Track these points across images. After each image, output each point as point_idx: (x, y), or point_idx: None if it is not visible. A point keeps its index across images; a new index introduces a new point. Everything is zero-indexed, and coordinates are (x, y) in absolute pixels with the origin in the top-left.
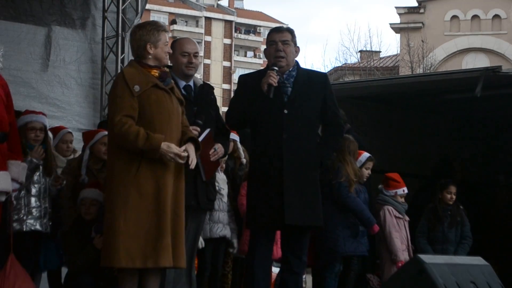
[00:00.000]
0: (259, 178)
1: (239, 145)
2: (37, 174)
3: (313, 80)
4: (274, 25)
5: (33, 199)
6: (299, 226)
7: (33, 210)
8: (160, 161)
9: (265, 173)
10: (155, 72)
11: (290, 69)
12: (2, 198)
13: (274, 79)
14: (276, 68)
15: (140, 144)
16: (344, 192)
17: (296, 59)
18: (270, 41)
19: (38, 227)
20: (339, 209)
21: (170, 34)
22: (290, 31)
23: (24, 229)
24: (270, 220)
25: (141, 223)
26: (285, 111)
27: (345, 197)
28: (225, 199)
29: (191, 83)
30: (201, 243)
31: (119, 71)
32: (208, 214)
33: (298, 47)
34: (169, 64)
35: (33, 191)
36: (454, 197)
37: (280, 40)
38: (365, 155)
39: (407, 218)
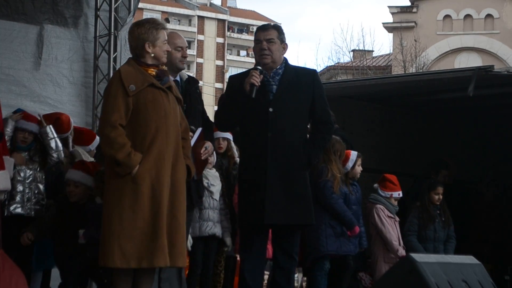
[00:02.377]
0: (246, 177)
1: (233, 144)
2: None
3: (300, 77)
4: None
5: (18, 185)
6: (283, 224)
7: (17, 194)
8: (156, 162)
9: (250, 172)
10: (152, 71)
11: (277, 67)
12: (1, 197)
13: (256, 78)
14: (259, 68)
15: (119, 156)
16: (328, 192)
17: (286, 56)
18: (255, 39)
19: (19, 210)
20: (323, 208)
21: None
22: (277, 28)
23: (6, 214)
24: (256, 219)
25: (136, 223)
26: (270, 109)
27: (328, 197)
28: (216, 196)
29: (177, 77)
30: (189, 241)
31: (111, 69)
32: (198, 212)
33: (286, 44)
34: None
35: (19, 177)
36: (441, 197)
37: (265, 38)
38: (354, 153)
39: (397, 219)
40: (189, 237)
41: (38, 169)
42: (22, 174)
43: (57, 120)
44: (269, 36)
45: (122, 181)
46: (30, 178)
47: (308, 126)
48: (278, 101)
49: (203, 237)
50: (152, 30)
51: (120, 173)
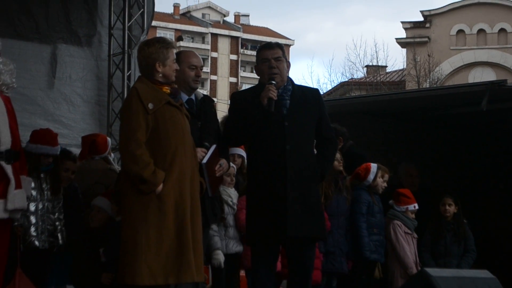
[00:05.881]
0: (261, 191)
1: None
2: (34, 191)
3: (307, 95)
4: (280, 40)
5: (31, 217)
6: (301, 237)
7: (31, 227)
8: (178, 179)
9: (268, 185)
10: (167, 89)
11: (286, 84)
12: (17, 215)
13: (274, 92)
14: (274, 82)
15: (145, 174)
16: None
17: (290, 75)
18: (262, 58)
19: (36, 243)
20: None
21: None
22: (280, 47)
23: (21, 249)
24: (272, 233)
25: (162, 240)
26: (286, 123)
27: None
28: None
29: (193, 96)
30: (221, 257)
31: (125, 88)
32: (224, 229)
33: (289, 63)
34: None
35: (31, 208)
36: (449, 208)
37: (273, 57)
38: (374, 165)
39: (416, 236)
40: (221, 253)
41: (48, 198)
42: (33, 207)
43: (93, 143)
44: (276, 54)
45: (146, 199)
46: (44, 210)
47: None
48: (292, 115)
49: (228, 255)
50: (162, 49)
51: (144, 191)
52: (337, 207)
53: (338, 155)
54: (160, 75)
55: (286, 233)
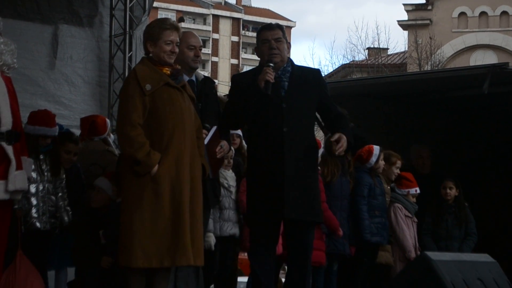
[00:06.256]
0: (259, 173)
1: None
2: (34, 173)
3: (307, 75)
4: (281, 22)
5: (32, 198)
6: (298, 220)
7: (32, 209)
8: (175, 161)
9: (265, 167)
10: (167, 70)
11: (285, 65)
12: (18, 197)
13: (270, 75)
14: (271, 64)
15: (139, 155)
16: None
17: (290, 56)
18: (262, 39)
19: (38, 225)
20: None
21: None
22: (281, 28)
23: (23, 230)
24: (270, 214)
25: (157, 223)
26: (284, 105)
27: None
28: (234, 196)
29: (193, 77)
30: (212, 240)
31: (126, 69)
32: (218, 212)
33: (289, 43)
34: (172, 62)
35: (32, 190)
36: (450, 192)
37: (273, 38)
38: (377, 148)
39: (416, 220)
40: (212, 236)
41: (49, 179)
42: (34, 189)
43: (92, 123)
44: (276, 35)
45: (142, 181)
46: (44, 191)
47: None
48: (290, 97)
49: (222, 237)
50: (156, 29)
51: (139, 172)
52: (340, 190)
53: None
54: (151, 55)
55: (283, 215)
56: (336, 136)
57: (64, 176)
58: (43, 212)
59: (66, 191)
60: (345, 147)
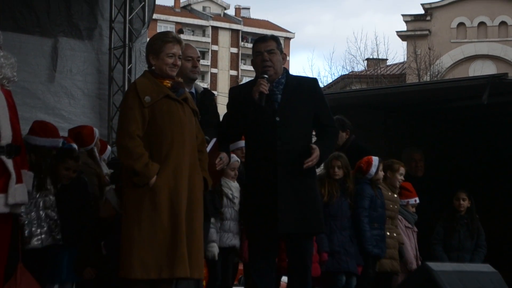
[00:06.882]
0: (254, 187)
1: None
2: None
3: (303, 86)
4: (280, 33)
5: (32, 213)
6: (293, 233)
7: (33, 225)
8: (174, 173)
9: (259, 181)
10: (168, 83)
11: (279, 77)
12: (18, 210)
13: (264, 86)
14: (266, 76)
15: (137, 166)
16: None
17: (285, 66)
18: (256, 51)
19: (38, 243)
20: None
21: None
22: (275, 39)
23: (26, 248)
24: (266, 229)
25: (155, 234)
26: (277, 119)
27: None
28: (237, 207)
29: (192, 89)
30: (216, 250)
31: (126, 81)
32: (219, 223)
33: (284, 54)
34: (174, 75)
35: (31, 204)
36: (463, 203)
37: (266, 50)
38: (376, 159)
39: (416, 229)
40: (216, 246)
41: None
42: (34, 204)
43: (78, 135)
44: (269, 47)
45: (141, 192)
46: (43, 206)
47: (313, 133)
48: (284, 110)
49: (222, 248)
50: (158, 42)
51: (138, 183)
52: (340, 210)
53: (344, 161)
54: (153, 67)
55: (278, 230)
56: (312, 150)
57: (53, 191)
58: (42, 226)
59: (67, 206)
60: (314, 162)
